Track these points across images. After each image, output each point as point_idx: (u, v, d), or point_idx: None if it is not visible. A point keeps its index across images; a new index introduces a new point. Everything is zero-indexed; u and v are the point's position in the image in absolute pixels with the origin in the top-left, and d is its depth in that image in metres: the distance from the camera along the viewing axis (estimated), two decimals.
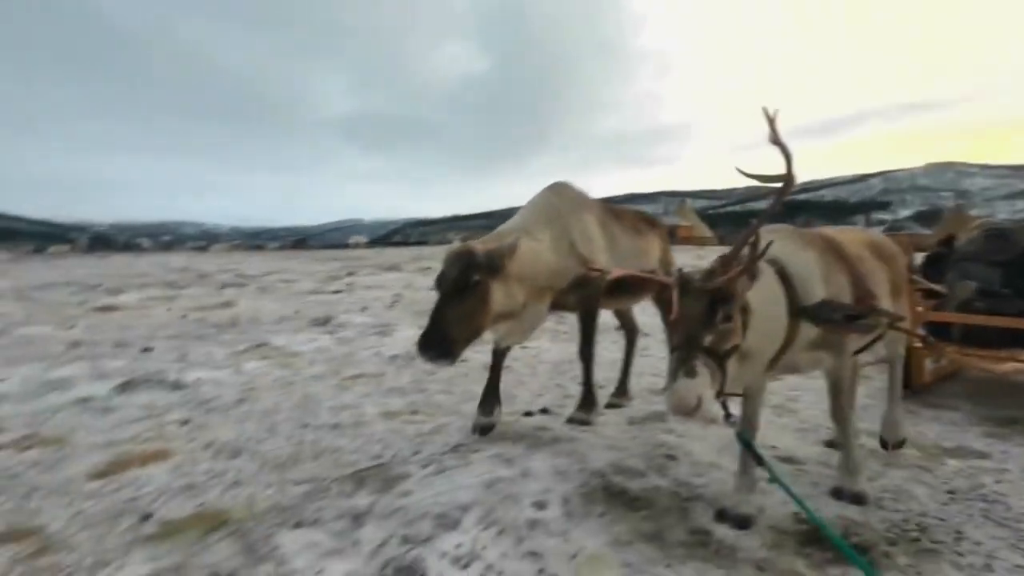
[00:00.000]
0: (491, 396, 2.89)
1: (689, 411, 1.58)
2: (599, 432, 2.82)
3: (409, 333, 5.83)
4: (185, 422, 3.13)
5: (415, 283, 11.97)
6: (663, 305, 3.02)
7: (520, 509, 1.90)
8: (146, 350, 5.03)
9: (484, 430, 2.80)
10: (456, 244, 2.55)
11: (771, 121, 1.87)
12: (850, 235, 2.47)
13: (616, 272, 2.43)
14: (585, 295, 2.95)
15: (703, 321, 1.65)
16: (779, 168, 1.85)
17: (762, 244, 1.72)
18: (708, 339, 1.64)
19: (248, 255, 21.89)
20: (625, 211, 3.51)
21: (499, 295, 2.48)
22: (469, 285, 2.39)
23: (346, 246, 33.64)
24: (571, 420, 2.95)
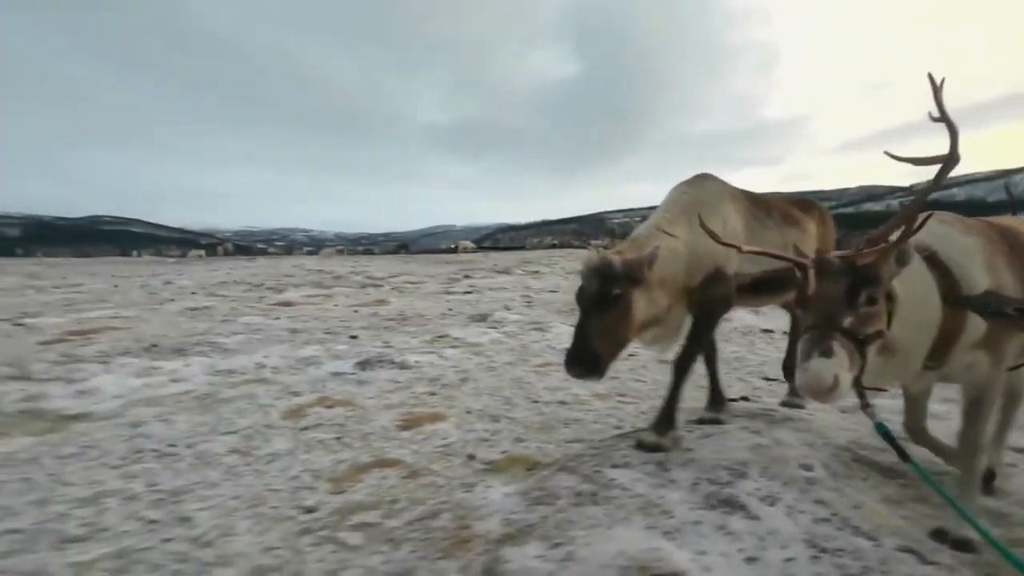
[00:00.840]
0: (670, 415, 2.58)
1: (824, 392, 1.47)
2: (819, 416, 3.08)
3: (564, 329, 6.32)
4: (432, 394, 3.76)
5: (532, 285, 12.50)
6: (798, 299, 2.35)
7: (791, 468, 2.23)
8: (353, 337, 5.91)
9: (651, 449, 2.44)
10: (593, 254, 2.44)
11: (937, 90, 1.65)
12: None
13: (747, 248, 2.18)
14: (712, 294, 2.70)
15: (843, 301, 1.55)
16: (929, 151, 1.71)
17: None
18: (848, 320, 1.54)
19: (368, 259, 23.70)
20: (776, 201, 3.19)
21: (642, 304, 2.41)
22: (610, 299, 2.34)
23: (452, 250, 35.29)
24: (784, 404, 3.23)
